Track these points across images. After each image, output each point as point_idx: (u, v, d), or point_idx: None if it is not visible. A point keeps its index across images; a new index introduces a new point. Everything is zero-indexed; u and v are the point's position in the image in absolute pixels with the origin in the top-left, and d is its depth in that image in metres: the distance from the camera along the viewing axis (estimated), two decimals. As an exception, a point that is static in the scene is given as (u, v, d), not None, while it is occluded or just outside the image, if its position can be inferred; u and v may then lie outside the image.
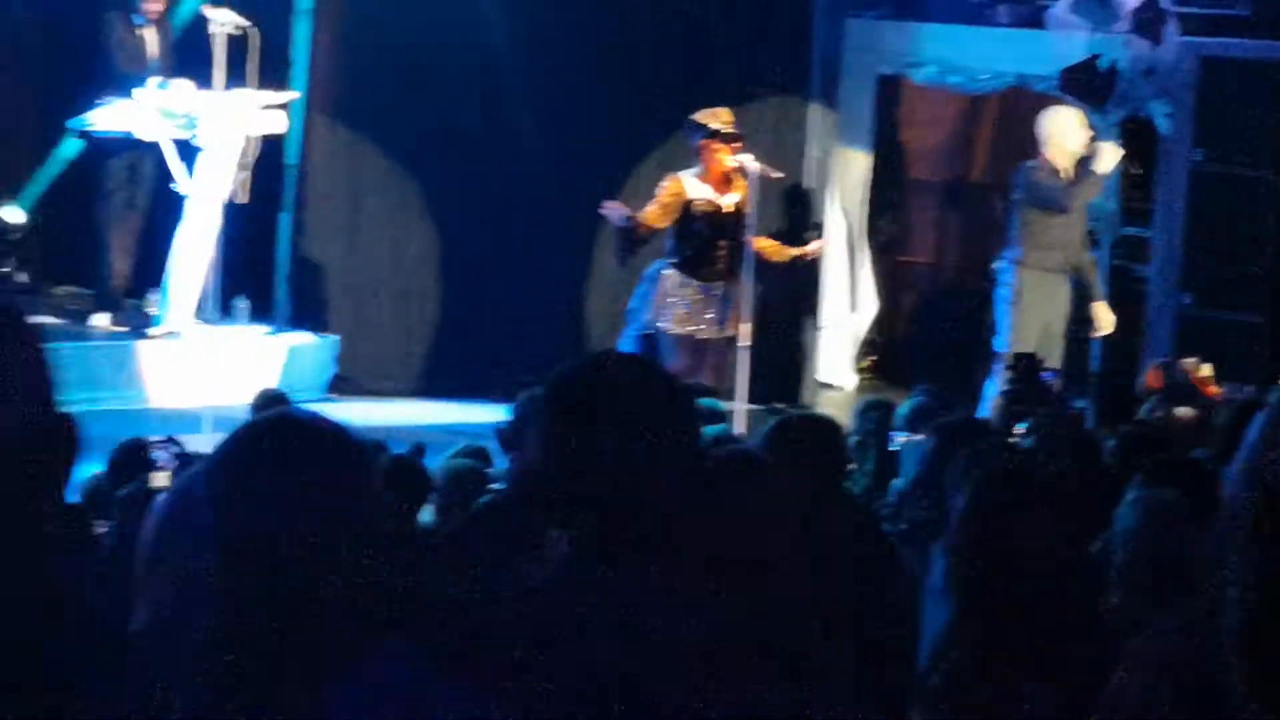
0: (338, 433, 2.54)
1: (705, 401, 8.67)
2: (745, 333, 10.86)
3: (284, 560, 2.42)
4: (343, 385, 13.01)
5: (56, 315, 12.96)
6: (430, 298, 13.55)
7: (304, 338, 13.06)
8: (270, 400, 8.37)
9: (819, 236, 12.64)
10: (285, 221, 13.72)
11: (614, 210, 10.91)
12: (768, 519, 3.89)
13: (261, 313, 13.18)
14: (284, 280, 13.70)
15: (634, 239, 10.85)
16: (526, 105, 13.33)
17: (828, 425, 5.63)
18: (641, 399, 2.92)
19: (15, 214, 14.16)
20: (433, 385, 13.26)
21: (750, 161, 10.85)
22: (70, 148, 13.80)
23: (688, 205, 10.77)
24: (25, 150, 14.40)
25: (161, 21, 12.78)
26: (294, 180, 13.58)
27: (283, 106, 12.42)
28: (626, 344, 10.81)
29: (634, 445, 2.87)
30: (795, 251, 11.45)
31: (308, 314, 13.38)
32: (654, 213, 10.78)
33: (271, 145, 12.71)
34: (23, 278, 13.52)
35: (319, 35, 13.36)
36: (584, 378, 3.00)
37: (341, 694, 2.39)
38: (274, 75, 12.87)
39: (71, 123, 12.49)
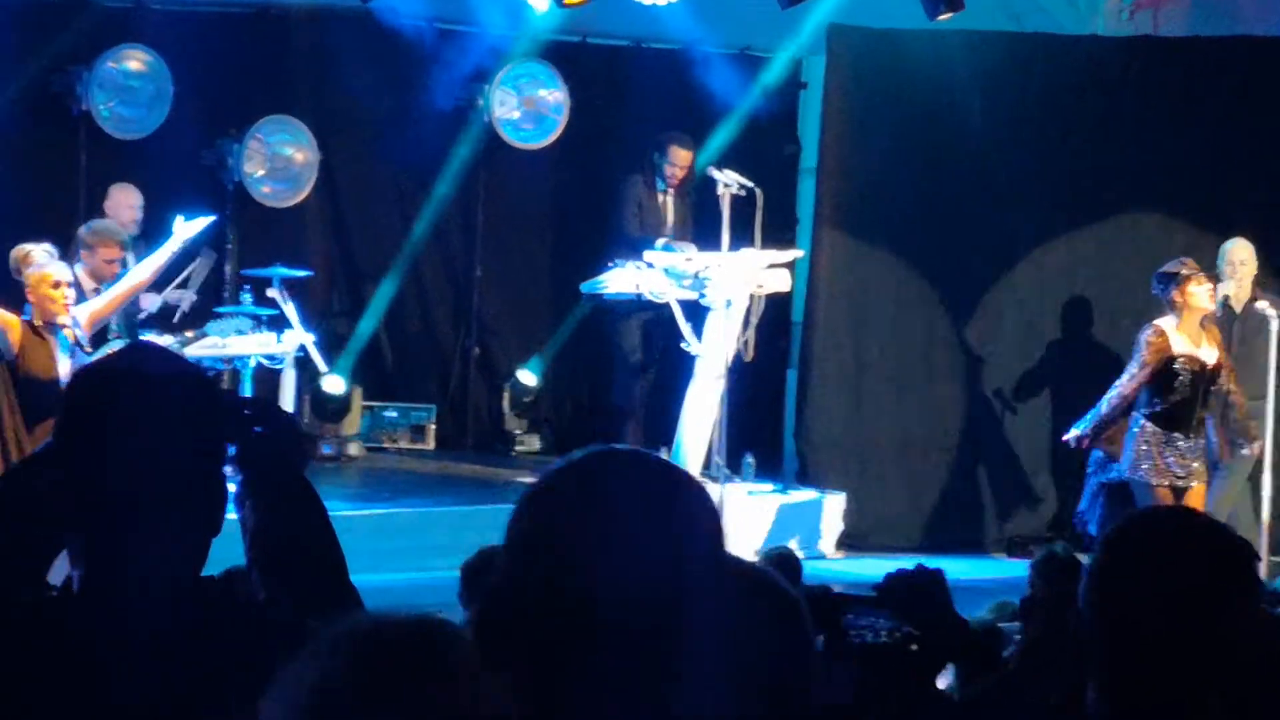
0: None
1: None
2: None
3: None
4: (849, 541, 12.95)
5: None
6: (934, 453, 13.41)
7: (810, 494, 13.07)
8: (780, 557, 8.30)
9: None
10: (791, 378, 13.79)
11: (1073, 438, 10.72)
12: None
13: (769, 469, 13.25)
14: (790, 436, 13.77)
15: (1108, 431, 10.60)
16: (1031, 260, 13.20)
17: None
18: (1198, 563, 2.72)
19: (528, 377, 14.57)
20: (938, 540, 13.05)
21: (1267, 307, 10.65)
22: (583, 311, 14.16)
23: (1170, 360, 10.41)
24: (539, 315, 14.84)
25: (681, 187, 13.07)
26: (799, 337, 13.66)
27: (787, 265, 12.52)
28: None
29: (1186, 619, 2.69)
30: None
31: (814, 470, 13.38)
32: (1137, 378, 10.45)
33: (777, 303, 12.82)
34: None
35: (823, 192, 13.43)
36: (1139, 537, 2.82)
37: None
38: (778, 234, 13.01)
39: (584, 286, 12.80)
